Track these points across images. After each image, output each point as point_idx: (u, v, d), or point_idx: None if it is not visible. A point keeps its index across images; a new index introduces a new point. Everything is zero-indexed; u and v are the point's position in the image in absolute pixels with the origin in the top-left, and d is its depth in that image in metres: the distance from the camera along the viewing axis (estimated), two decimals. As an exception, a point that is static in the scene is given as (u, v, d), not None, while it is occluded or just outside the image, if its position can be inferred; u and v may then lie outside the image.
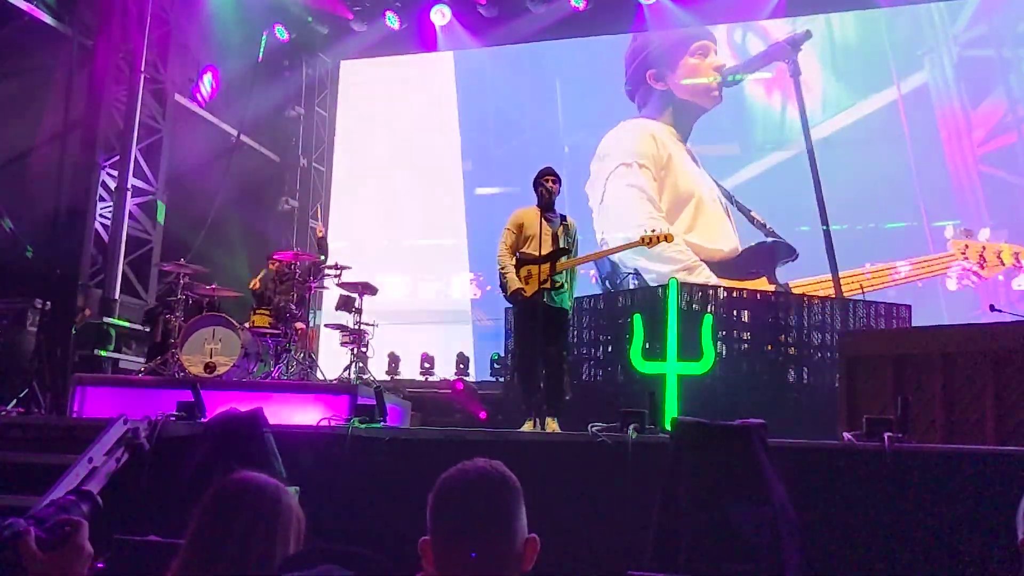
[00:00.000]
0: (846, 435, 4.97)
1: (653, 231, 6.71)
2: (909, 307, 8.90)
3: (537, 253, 6.54)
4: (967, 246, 10.68)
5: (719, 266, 11.63)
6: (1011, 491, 2.08)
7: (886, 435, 4.72)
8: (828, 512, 4.64)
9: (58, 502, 1.81)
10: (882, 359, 5.90)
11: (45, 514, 1.73)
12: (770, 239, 11.58)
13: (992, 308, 6.95)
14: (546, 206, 6.69)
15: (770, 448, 4.57)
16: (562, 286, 6.63)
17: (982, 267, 10.59)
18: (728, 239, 11.70)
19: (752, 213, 11.66)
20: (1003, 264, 10.50)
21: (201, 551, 1.84)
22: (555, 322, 6.62)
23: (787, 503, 4.36)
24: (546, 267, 6.49)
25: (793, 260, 11.47)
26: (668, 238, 6.71)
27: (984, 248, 10.58)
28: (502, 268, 6.74)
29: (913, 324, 8.60)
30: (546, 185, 6.67)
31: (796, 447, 5.00)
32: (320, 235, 10.12)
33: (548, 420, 6.37)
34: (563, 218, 6.81)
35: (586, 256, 6.57)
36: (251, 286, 9.18)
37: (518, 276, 6.61)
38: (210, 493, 1.91)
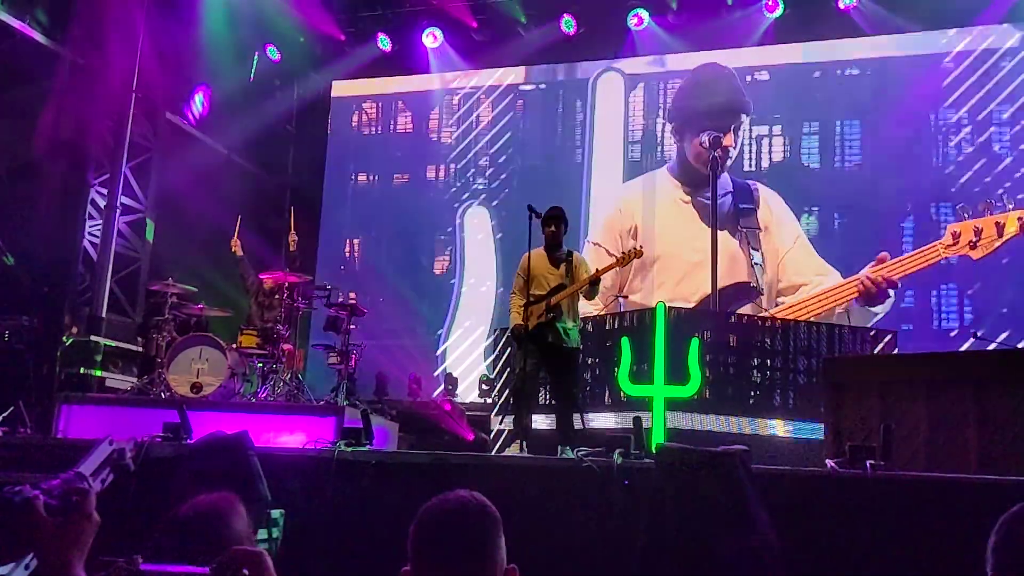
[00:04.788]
0: (829, 462, 5.00)
1: (623, 251, 7.07)
2: (895, 332, 8.93)
3: (543, 292, 6.68)
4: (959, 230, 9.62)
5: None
6: (991, 520, 2.11)
7: (868, 462, 4.76)
8: (810, 539, 4.66)
9: (64, 477, 1.82)
10: (867, 385, 5.87)
11: (52, 486, 1.75)
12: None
13: (975, 336, 6.99)
14: (550, 246, 6.79)
15: (754, 474, 4.60)
16: (561, 316, 6.64)
17: (973, 247, 9.43)
18: (693, 290, 11.23)
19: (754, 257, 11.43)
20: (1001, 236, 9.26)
21: None
22: (561, 359, 6.72)
23: (770, 529, 4.38)
24: (544, 305, 6.65)
25: (751, 301, 11.23)
26: (638, 253, 6.95)
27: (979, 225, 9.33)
28: (510, 308, 6.81)
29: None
30: (547, 228, 6.77)
31: (779, 473, 5.04)
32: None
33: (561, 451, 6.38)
34: (569, 254, 6.89)
35: (572, 287, 6.65)
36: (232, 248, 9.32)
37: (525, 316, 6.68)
38: None
